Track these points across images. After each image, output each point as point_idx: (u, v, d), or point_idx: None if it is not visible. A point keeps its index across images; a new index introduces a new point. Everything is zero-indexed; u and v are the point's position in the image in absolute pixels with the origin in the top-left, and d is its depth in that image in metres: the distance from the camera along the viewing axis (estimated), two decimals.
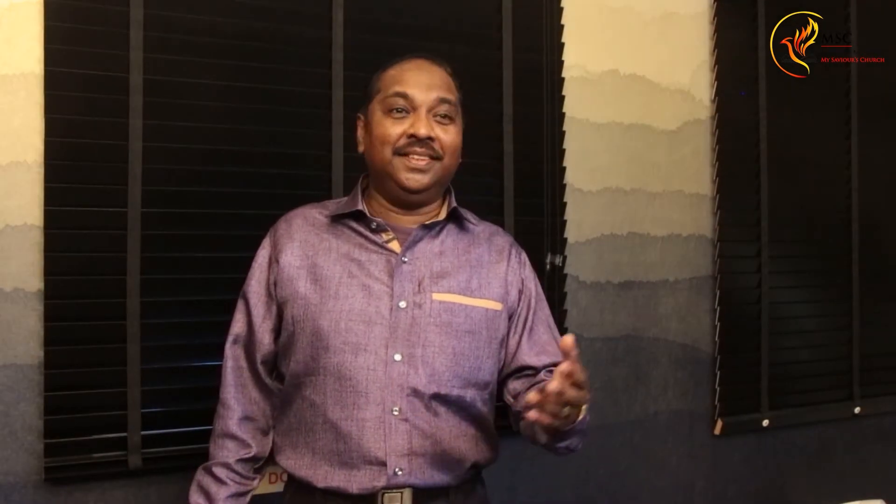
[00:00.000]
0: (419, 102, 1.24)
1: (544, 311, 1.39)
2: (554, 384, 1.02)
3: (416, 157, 1.24)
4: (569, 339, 1.03)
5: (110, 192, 1.58)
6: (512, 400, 1.33)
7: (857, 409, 2.46)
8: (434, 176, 1.26)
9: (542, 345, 1.36)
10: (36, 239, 1.52)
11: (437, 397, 1.22)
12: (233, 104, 1.70)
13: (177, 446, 1.61)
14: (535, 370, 1.33)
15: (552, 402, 1.03)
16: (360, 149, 1.33)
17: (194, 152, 1.66)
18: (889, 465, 2.52)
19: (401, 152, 1.24)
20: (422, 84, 1.26)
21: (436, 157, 1.25)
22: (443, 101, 1.26)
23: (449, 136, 1.27)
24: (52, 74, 1.53)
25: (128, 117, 1.58)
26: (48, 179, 1.53)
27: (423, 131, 1.23)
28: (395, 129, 1.24)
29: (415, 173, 1.24)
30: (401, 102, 1.25)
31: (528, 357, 1.33)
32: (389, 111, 1.25)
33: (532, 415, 1.05)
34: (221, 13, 1.68)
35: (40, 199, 1.52)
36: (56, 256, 1.53)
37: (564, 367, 1.02)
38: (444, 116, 1.27)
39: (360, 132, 1.33)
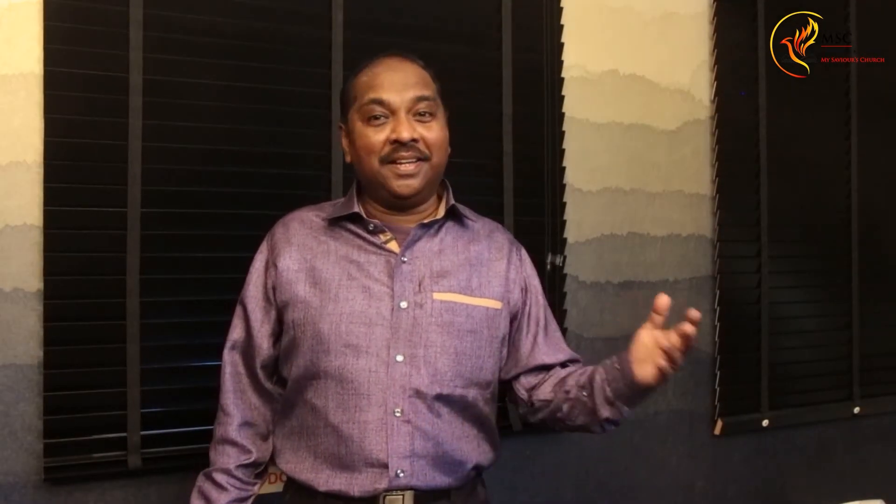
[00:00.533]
0: (396, 105, 1.22)
1: (549, 309, 1.40)
2: (689, 328, 1.13)
3: (403, 162, 1.22)
4: (695, 313, 1.15)
5: (110, 192, 1.58)
6: (526, 394, 1.34)
7: (856, 409, 2.45)
8: (424, 178, 1.25)
9: (556, 342, 1.38)
10: (35, 239, 1.52)
11: (439, 398, 1.21)
12: (232, 104, 1.70)
13: (176, 446, 1.60)
14: (550, 367, 1.33)
15: (679, 347, 1.14)
16: (348, 159, 1.31)
17: (194, 152, 1.66)
18: (889, 465, 2.52)
19: (387, 160, 1.22)
20: (396, 85, 1.23)
21: (423, 158, 1.24)
22: (420, 99, 1.23)
23: (433, 132, 1.24)
24: (51, 74, 1.53)
25: (127, 117, 1.58)
26: (48, 179, 1.53)
27: (405, 135, 1.21)
28: (377, 137, 1.22)
29: (405, 179, 1.23)
30: (378, 109, 1.22)
31: (546, 356, 1.34)
32: (368, 120, 1.23)
33: (661, 362, 1.14)
34: (221, 13, 1.68)
35: (40, 199, 1.52)
36: (56, 256, 1.53)
37: (695, 314, 1.14)
38: (425, 113, 1.24)
39: (344, 142, 1.31)
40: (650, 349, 1.17)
